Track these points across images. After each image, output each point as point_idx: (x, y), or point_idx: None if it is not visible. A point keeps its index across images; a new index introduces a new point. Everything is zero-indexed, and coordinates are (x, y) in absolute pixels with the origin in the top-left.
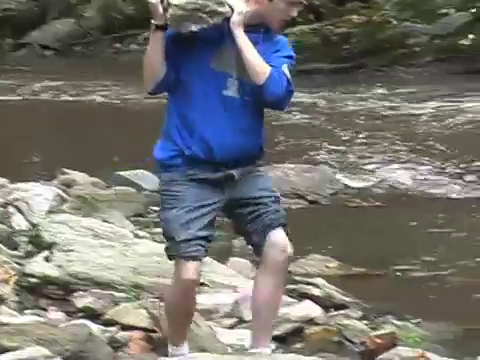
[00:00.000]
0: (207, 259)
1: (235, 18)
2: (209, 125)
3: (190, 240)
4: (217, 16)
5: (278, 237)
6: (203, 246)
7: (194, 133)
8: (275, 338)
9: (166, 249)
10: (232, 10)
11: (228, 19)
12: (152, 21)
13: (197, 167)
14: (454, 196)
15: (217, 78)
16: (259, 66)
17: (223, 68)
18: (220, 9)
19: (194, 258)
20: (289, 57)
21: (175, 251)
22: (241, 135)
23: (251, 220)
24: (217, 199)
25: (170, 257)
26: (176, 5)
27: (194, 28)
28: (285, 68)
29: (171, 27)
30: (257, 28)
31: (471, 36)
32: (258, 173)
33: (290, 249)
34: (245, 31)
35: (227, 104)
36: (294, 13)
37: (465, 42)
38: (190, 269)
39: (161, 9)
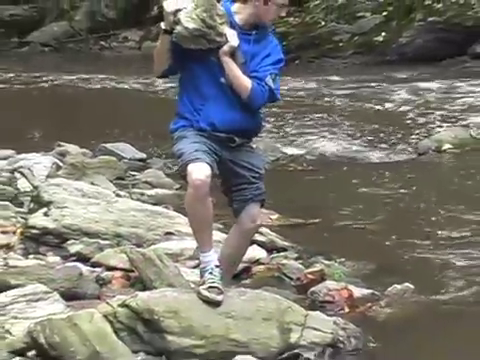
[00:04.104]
0: (174, 213)
1: (225, 49)
2: (212, 106)
3: (196, 151)
4: (214, 43)
5: (253, 210)
6: (209, 158)
7: (201, 112)
8: None
9: (179, 170)
10: (226, 41)
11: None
12: (162, 24)
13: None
14: (371, 161)
15: (216, 68)
16: (242, 86)
17: (220, 62)
18: (218, 39)
19: (201, 160)
20: (278, 62)
21: (186, 160)
22: (238, 113)
23: (236, 190)
24: (218, 148)
25: (183, 173)
26: (185, 28)
27: (192, 46)
28: (269, 79)
29: (174, 38)
30: (250, 30)
31: (383, 34)
32: (250, 149)
33: (259, 221)
34: (240, 32)
35: (224, 89)
36: (283, 13)
37: (379, 39)
38: (198, 169)
39: (171, 19)
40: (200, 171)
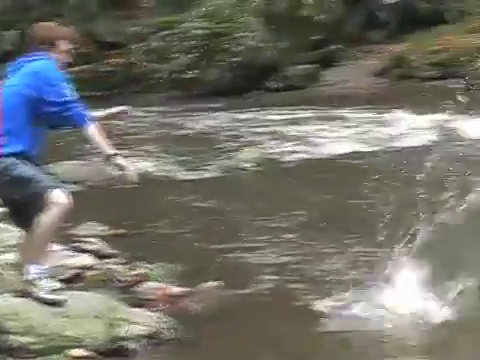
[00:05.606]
0: (14, 228)
1: None
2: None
3: (48, 178)
4: None
5: None
6: None
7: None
8: (63, 280)
9: (35, 188)
10: None
11: None
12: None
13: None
14: (184, 178)
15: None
16: None
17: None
18: None
19: (61, 186)
20: None
21: (48, 185)
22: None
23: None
24: None
25: (40, 195)
26: None
27: None
28: None
29: None
30: None
31: (194, 72)
32: None
33: None
34: None
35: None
36: (69, 59)
37: (190, 76)
38: (64, 193)
39: None
40: (66, 195)
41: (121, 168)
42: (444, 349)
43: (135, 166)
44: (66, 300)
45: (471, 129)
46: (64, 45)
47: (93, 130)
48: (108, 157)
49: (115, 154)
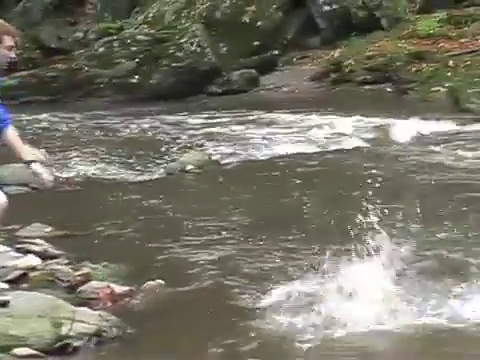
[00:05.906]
0: None
1: None
2: None
3: None
4: None
5: None
6: None
7: None
8: (7, 281)
9: None
10: None
11: None
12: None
13: None
14: (128, 180)
15: None
16: None
17: None
18: None
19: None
20: None
21: None
22: None
23: None
24: None
25: None
26: None
27: None
28: None
29: None
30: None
31: (136, 76)
32: None
33: None
34: None
35: None
36: (12, 55)
37: (133, 81)
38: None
39: None
40: (4, 196)
41: (36, 175)
42: (381, 349)
43: (52, 173)
44: (9, 300)
45: (404, 131)
46: (9, 41)
47: (12, 133)
48: (25, 162)
49: (32, 161)
